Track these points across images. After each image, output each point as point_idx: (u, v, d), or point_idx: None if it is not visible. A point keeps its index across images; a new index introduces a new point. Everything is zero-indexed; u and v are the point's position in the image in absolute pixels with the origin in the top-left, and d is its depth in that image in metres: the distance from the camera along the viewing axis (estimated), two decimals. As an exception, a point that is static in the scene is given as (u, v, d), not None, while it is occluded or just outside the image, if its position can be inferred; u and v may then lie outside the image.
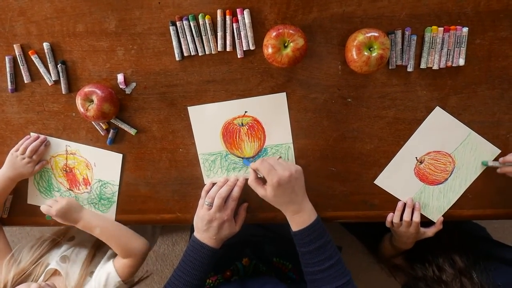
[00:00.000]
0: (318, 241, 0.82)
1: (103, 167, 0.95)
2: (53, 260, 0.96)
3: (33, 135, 0.92)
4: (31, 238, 1.74)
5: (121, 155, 0.93)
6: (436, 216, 0.94)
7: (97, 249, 1.03)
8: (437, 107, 0.86)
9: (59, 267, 0.94)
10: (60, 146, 0.94)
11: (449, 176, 0.91)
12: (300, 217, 0.83)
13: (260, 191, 0.84)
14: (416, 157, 0.90)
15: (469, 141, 0.88)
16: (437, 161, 0.90)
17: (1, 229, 0.97)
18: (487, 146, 0.88)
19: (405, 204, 0.92)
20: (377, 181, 0.91)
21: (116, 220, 0.98)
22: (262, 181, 0.85)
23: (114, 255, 1.00)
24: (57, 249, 1.00)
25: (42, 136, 0.92)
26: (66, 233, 1.07)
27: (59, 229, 1.07)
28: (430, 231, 0.94)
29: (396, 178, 0.91)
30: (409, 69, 0.83)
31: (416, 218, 0.91)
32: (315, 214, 0.84)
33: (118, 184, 0.95)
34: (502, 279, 0.89)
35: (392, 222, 0.93)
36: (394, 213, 0.93)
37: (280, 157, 0.90)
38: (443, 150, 0.89)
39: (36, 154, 0.91)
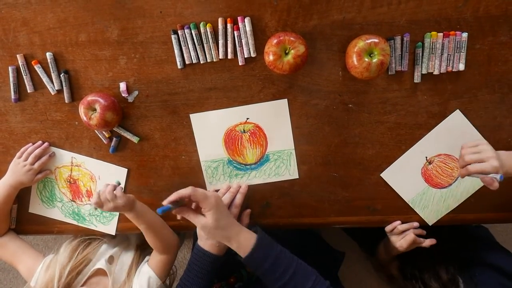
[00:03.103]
0: (270, 256, 0.77)
1: (107, 180, 0.94)
2: (97, 258, 0.95)
3: (38, 142, 0.93)
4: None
5: (126, 169, 0.94)
6: (432, 219, 0.94)
7: (142, 252, 1.02)
8: (457, 110, 0.86)
9: (106, 267, 0.93)
10: (65, 157, 0.94)
11: (453, 182, 0.91)
12: (244, 238, 0.78)
13: (201, 220, 0.75)
14: (426, 157, 0.90)
15: None
16: (446, 164, 0.90)
17: (13, 232, 0.98)
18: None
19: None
20: (384, 174, 0.91)
21: (119, 227, 0.98)
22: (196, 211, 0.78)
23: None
24: (98, 247, 0.99)
25: (45, 143, 0.92)
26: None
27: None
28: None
29: (403, 174, 0.91)
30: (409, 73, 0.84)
31: (409, 236, 0.91)
32: (252, 233, 0.79)
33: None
34: (486, 285, 0.90)
35: (393, 229, 0.94)
36: (400, 219, 0.93)
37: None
38: (453, 155, 0.89)
39: (38, 162, 0.91)
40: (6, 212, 0.94)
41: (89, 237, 1.00)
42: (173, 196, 0.73)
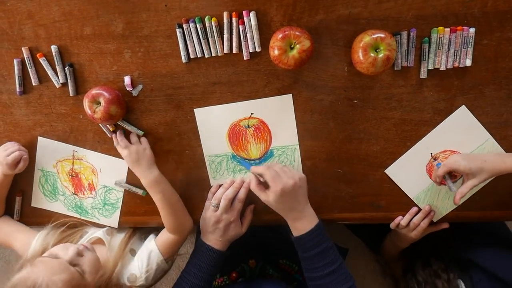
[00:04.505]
0: (319, 246, 0.81)
1: (109, 173, 0.95)
2: (96, 229, 0.96)
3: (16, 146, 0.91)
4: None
5: None
6: (437, 216, 0.93)
7: (135, 230, 1.02)
8: (463, 106, 0.85)
9: (105, 237, 0.93)
10: (67, 150, 0.94)
11: (459, 179, 0.90)
12: (300, 223, 0.83)
13: (262, 196, 0.83)
14: (432, 153, 0.89)
15: (485, 147, 0.87)
16: None
17: (10, 218, 0.97)
18: None
19: (418, 210, 0.92)
20: (388, 171, 0.91)
21: (122, 222, 0.98)
22: (264, 185, 0.85)
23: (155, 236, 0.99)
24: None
25: (24, 154, 0.91)
26: None
27: None
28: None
29: (408, 171, 0.90)
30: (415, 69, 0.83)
31: (424, 224, 0.91)
32: (316, 219, 0.84)
33: (122, 190, 0.96)
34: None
35: (398, 224, 0.93)
36: (402, 215, 0.92)
37: (285, 165, 0.88)
38: (458, 151, 0.88)
39: (12, 156, 0.89)
40: (1, 198, 0.94)
41: None
42: (255, 169, 0.85)
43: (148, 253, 0.92)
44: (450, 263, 0.97)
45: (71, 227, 0.96)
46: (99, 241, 0.94)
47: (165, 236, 0.93)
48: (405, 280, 1.03)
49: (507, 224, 1.12)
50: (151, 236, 0.98)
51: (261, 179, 0.85)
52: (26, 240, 0.92)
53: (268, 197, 0.82)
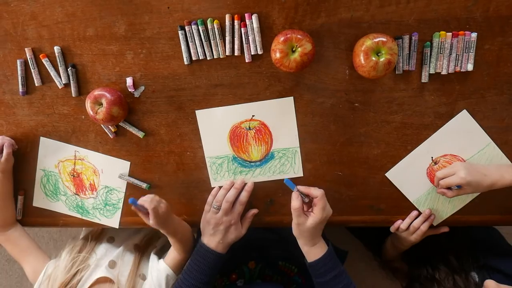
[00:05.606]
0: (334, 270, 0.83)
1: (110, 174, 0.95)
2: (97, 264, 0.93)
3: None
4: (39, 239, 1.76)
5: (128, 162, 0.94)
6: (437, 220, 0.93)
7: (143, 251, 1.02)
8: (464, 110, 0.85)
9: (109, 274, 0.90)
10: (68, 151, 0.95)
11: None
12: (316, 248, 0.84)
13: (299, 219, 0.81)
14: (432, 157, 0.89)
15: (486, 151, 0.87)
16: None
17: (22, 229, 0.97)
18: (503, 159, 0.87)
19: (419, 213, 0.92)
20: (388, 174, 0.91)
21: (123, 222, 0.99)
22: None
23: (159, 254, 1.00)
24: (97, 248, 0.98)
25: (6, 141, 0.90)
26: (102, 233, 1.05)
27: (94, 230, 1.05)
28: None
29: (408, 174, 0.91)
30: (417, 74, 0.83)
31: (424, 227, 0.91)
32: (326, 245, 0.86)
33: (124, 191, 0.96)
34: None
35: (398, 228, 0.93)
36: (402, 219, 0.92)
37: None
38: (459, 155, 0.88)
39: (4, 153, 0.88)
40: (3, 197, 0.93)
41: (89, 234, 1.01)
42: (305, 190, 0.82)
43: (165, 277, 0.92)
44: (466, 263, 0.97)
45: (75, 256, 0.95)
46: (101, 279, 0.90)
47: (176, 257, 0.93)
48: (413, 266, 1.03)
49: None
50: (154, 257, 0.98)
51: (306, 200, 0.83)
52: (36, 267, 0.93)
53: (306, 222, 0.81)
